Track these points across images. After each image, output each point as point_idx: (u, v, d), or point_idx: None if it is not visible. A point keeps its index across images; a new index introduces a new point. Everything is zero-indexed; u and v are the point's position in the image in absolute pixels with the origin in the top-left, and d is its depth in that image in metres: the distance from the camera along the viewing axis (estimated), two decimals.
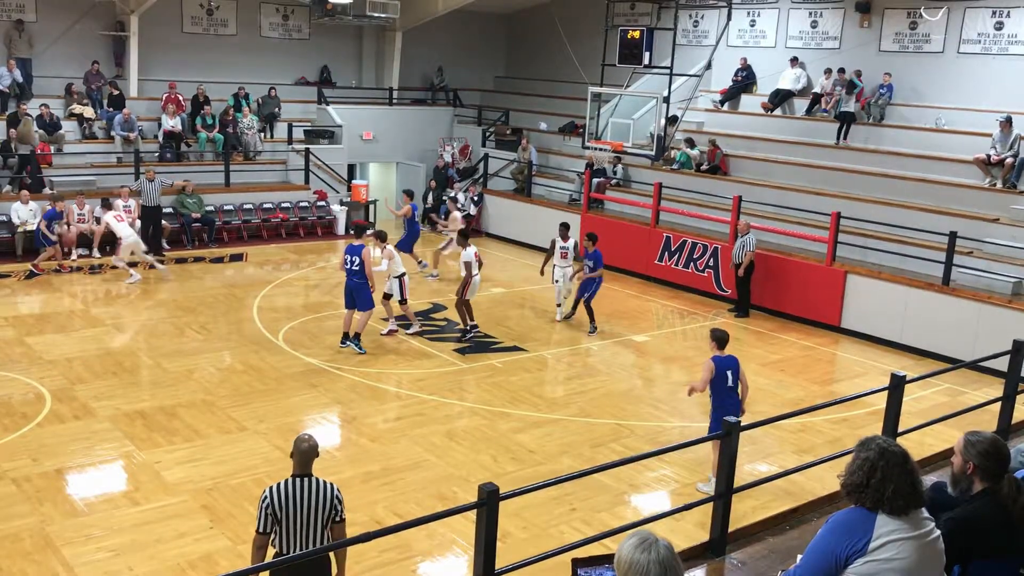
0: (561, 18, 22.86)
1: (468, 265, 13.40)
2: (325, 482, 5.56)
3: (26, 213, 17.16)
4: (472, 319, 13.70)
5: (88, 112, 19.68)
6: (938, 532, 3.64)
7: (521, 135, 22.77)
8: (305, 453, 5.58)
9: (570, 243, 14.76)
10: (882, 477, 3.54)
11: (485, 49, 26.93)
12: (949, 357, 13.11)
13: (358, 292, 12.62)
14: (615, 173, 20.27)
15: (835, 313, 15.03)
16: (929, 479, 4.73)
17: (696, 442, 7.29)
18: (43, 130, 18.74)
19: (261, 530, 5.48)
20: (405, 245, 17.29)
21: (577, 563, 4.21)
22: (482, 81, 26.73)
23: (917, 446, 9.39)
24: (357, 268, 12.51)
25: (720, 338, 8.83)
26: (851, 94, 18.15)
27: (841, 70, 18.95)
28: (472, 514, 5.05)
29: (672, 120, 19.78)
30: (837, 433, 10.59)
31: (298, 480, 5.49)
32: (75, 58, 20.26)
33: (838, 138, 18.17)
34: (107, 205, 17.11)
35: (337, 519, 5.54)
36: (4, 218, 17.35)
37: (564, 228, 14.93)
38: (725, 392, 8.58)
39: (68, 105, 19.73)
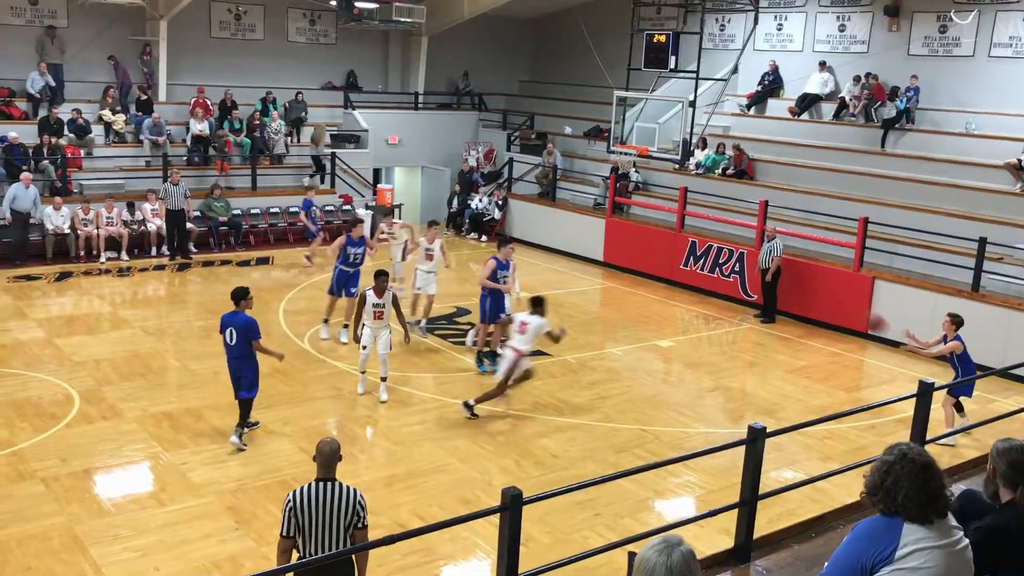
0: (587, 22, 22.86)
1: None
2: (348, 487, 5.55)
3: (58, 219, 17.37)
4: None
5: (119, 123, 19.78)
6: (967, 541, 3.59)
7: (546, 139, 22.76)
8: (327, 456, 5.59)
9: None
10: (894, 481, 3.50)
11: (510, 53, 26.94)
12: (979, 364, 12.91)
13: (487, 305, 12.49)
14: (632, 177, 20.16)
15: (862, 319, 14.89)
16: (958, 487, 4.66)
17: (721, 448, 7.24)
18: (73, 134, 18.98)
19: (285, 533, 5.49)
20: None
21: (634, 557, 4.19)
22: (507, 85, 26.74)
23: (946, 454, 9.31)
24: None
25: (960, 322, 10.55)
26: (893, 100, 17.94)
27: (868, 75, 18.80)
28: (495, 518, 5.04)
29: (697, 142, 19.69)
30: (864, 440, 10.48)
31: (321, 484, 5.50)
32: (106, 64, 20.47)
33: (883, 144, 17.97)
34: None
35: (359, 525, 5.52)
36: (33, 221, 17.54)
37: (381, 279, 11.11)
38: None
39: (102, 108, 19.92)
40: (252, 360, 9.58)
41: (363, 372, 11.32)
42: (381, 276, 11.10)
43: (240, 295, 9.60)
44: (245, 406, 9.66)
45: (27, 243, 17.18)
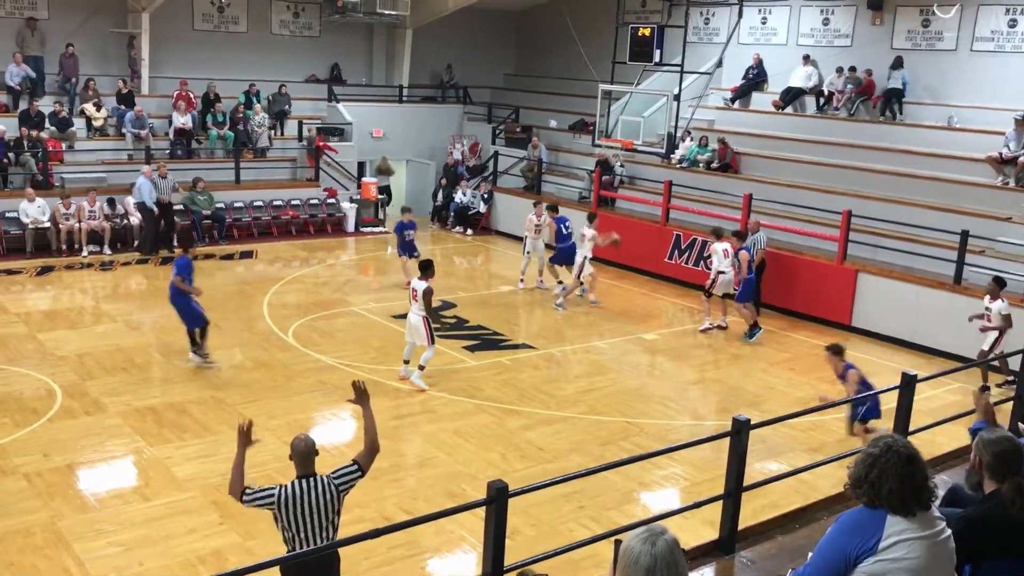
0: (572, 15, 22.82)
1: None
2: (325, 478, 5.53)
3: (35, 211, 17.22)
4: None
5: (98, 117, 19.60)
6: (949, 532, 3.61)
7: (531, 133, 22.74)
8: (303, 454, 5.57)
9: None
10: (879, 474, 3.51)
11: (495, 46, 26.90)
12: (960, 356, 13.02)
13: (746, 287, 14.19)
14: (617, 171, 20.18)
15: (846, 312, 14.96)
16: (941, 479, 4.70)
17: (706, 440, 7.28)
18: (55, 127, 18.81)
19: (249, 493, 5.49)
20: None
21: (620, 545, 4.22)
22: (492, 79, 26.70)
23: (928, 445, 9.37)
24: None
25: (841, 351, 9.78)
26: (898, 70, 18.10)
27: (852, 68, 18.88)
28: (481, 511, 5.05)
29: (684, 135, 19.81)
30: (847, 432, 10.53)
31: (303, 481, 5.49)
32: (86, 55, 20.28)
33: (883, 112, 18.13)
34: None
35: (345, 488, 5.52)
36: (14, 215, 17.41)
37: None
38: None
39: (83, 101, 19.73)
40: (186, 297, 11.60)
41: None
42: (431, 266, 11.49)
43: (187, 242, 12.93)
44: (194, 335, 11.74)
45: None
